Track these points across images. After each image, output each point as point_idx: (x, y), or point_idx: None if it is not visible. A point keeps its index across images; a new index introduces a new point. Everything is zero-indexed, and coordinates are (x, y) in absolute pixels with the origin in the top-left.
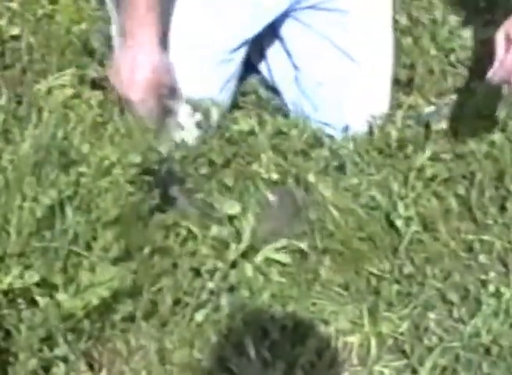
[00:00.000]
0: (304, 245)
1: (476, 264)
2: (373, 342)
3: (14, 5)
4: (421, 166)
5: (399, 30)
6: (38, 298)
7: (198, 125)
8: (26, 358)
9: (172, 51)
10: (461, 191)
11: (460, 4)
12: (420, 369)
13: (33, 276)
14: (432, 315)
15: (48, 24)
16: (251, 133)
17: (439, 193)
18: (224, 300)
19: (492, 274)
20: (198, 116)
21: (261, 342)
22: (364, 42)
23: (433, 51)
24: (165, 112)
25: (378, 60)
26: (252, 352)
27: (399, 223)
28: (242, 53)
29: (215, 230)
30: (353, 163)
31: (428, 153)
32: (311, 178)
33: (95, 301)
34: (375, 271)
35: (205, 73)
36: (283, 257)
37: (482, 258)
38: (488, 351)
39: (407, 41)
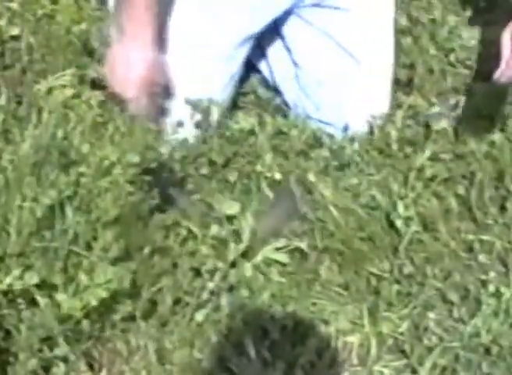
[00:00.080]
0: (303, 245)
1: (476, 264)
2: (373, 342)
3: (14, 5)
4: (420, 166)
5: (398, 30)
6: (38, 299)
7: (198, 125)
8: (26, 358)
9: (174, 50)
10: (461, 191)
11: (460, 4)
12: (420, 369)
13: (33, 277)
14: (431, 315)
15: (48, 24)
16: (252, 132)
17: (438, 193)
18: (224, 300)
19: (492, 274)
20: (198, 116)
21: (261, 342)
22: (365, 41)
23: (433, 51)
24: (159, 110)
25: (380, 60)
26: (252, 352)
27: (399, 223)
28: (244, 51)
29: (214, 229)
30: (353, 163)
31: (428, 153)
32: (311, 178)
33: (95, 301)
34: (375, 271)
35: (207, 72)
36: (283, 257)
37: (482, 258)
38: (488, 351)
39: (407, 40)
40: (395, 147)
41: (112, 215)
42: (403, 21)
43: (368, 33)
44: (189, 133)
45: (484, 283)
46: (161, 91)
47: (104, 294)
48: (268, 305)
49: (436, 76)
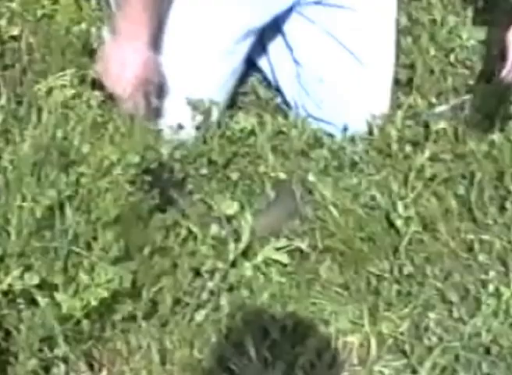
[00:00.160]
0: (303, 245)
1: (476, 264)
2: (373, 342)
3: (14, 5)
4: (420, 166)
5: (398, 30)
6: (38, 299)
7: (198, 125)
8: (26, 358)
9: (175, 44)
10: (461, 190)
11: (460, 4)
12: (420, 368)
13: (33, 277)
14: (431, 315)
15: (48, 24)
16: (252, 132)
17: (438, 193)
18: (224, 300)
19: (491, 274)
20: (198, 117)
21: (261, 342)
22: (367, 41)
23: (433, 51)
24: (152, 109)
25: (381, 60)
26: (252, 352)
27: (399, 223)
28: (245, 46)
29: (214, 229)
30: (353, 163)
31: (427, 153)
32: (311, 178)
33: (95, 301)
34: (375, 271)
35: (209, 65)
36: (283, 257)
37: (482, 257)
38: (487, 350)
39: (407, 41)
40: (395, 147)
41: (112, 215)
42: (403, 21)
43: (370, 33)
44: (189, 130)
45: (484, 283)
46: (155, 90)
47: (104, 293)
48: (268, 305)
49: (436, 77)
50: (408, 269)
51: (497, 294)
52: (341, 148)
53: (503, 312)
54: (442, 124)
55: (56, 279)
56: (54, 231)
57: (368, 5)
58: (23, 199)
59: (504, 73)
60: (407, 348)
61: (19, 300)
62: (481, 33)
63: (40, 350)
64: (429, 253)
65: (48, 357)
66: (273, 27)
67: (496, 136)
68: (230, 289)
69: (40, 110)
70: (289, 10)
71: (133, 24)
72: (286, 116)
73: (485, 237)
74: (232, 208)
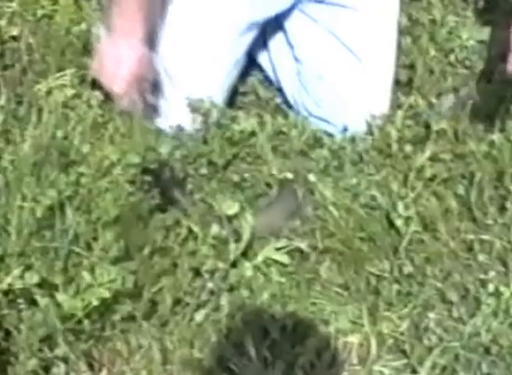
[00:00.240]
0: (304, 245)
1: (476, 264)
2: (373, 342)
3: (14, 6)
4: (420, 166)
5: (399, 31)
6: (38, 298)
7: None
8: (26, 358)
9: (177, 36)
10: (461, 190)
11: (460, 4)
12: (419, 368)
13: (33, 277)
14: (431, 314)
15: (48, 24)
16: (252, 133)
17: (438, 193)
18: (224, 300)
19: (491, 274)
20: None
21: (261, 342)
22: (368, 41)
23: (433, 52)
24: (147, 106)
25: (382, 60)
26: (252, 352)
27: (399, 222)
28: (248, 39)
29: (215, 229)
30: (353, 163)
31: (427, 153)
32: (311, 178)
33: (95, 301)
34: (375, 271)
35: (211, 57)
36: (283, 257)
37: (482, 257)
38: (487, 350)
39: (407, 41)
40: (395, 147)
41: (112, 215)
42: (403, 21)
43: (371, 33)
44: (189, 126)
45: (483, 283)
46: (150, 87)
47: (106, 294)
48: (268, 305)
49: (436, 77)
50: (408, 269)
51: (497, 294)
52: (341, 148)
53: (502, 311)
54: (442, 124)
55: (56, 279)
56: (54, 231)
57: (370, 5)
58: (24, 199)
59: (510, 66)
60: (406, 347)
61: (20, 300)
62: (481, 34)
63: (40, 350)
64: (429, 253)
65: (48, 357)
66: (275, 24)
67: (496, 136)
68: (230, 289)
69: (40, 110)
70: (292, 8)
71: (128, 21)
72: (286, 116)
73: (485, 237)
74: (232, 208)
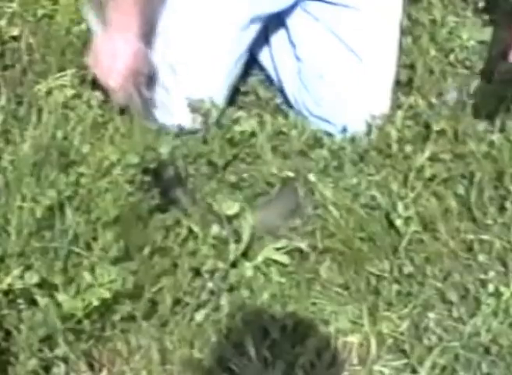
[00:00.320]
0: (303, 245)
1: (475, 264)
2: (373, 342)
3: (14, 6)
4: (420, 166)
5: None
6: (38, 298)
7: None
8: (27, 358)
9: (179, 32)
10: (461, 190)
11: (460, 4)
12: (419, 368)
13: (33, 277)
14: (431, 314)
15: (48, 25)
16: (253, 134)
17: (438, 193)
18: (224, 300)
19: (491, 274)
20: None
21: (261, 342)
22: (370, 41)
23: (433, 52)
24: (143, 99)
25: (383, 60)
26: (252, 352)
27: (399, 222)
28: (250, 33)
29: (215, 229)
30: (353, 163)
31: (427, 153)
32: (311, 178)
33: (95, 302)
34: (375, 271)
35: (213, 53)
36: (283, 257)
37: (482, 257)
38: (487, 350)
39: (407, 41)
40: (395, 147)
41: (112, 215)
42: (404, 21)
43: (373, 34)
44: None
45: (483, 283)
46: (145, 81)
47: (106, 294)
48: (268, 305)
49: (436, 77)
50: (408, 269)
51: (497, 294)
52: (341, 148)
53: (502, 311)
54: (442, 124)
55: (56, 279)
56: (54, 231)
57: (373, 5)
58: (23, 199)
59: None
60: (406, 347)
61: (20, 300)
62: (481, 34)
63: (41, 350)
64: (429, 253)
65: (48, 357)
66: (277, 22)
67: (496, 136)
68: (230, 289)
69: (40, 110)
70: (294, 5)
71: (124, 15)
72: (286, 116)
73: (485, 237)
74: (232, 208)
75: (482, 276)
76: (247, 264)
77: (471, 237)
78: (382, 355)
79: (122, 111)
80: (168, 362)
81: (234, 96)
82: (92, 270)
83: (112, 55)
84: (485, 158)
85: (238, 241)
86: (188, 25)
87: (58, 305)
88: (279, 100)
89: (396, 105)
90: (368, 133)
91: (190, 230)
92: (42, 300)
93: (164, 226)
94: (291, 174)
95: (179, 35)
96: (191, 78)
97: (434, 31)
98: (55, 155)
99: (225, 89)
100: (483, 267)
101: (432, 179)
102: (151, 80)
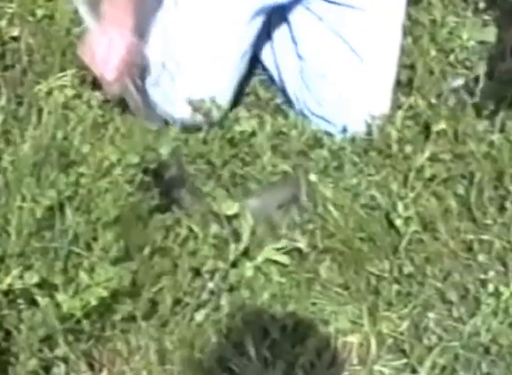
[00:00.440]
0: (303, 245)
1: (475, 264)
2: (373, 342)
3: (14, 6)
4: (420, 167)
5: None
6: (38, 299)
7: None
8: (27, 358)
9: (184, 28)
10: (460, 190)
11: (460, 4)
12: (419, 368)
13: (33, 277)
14: (431, 314)
15: (48, 25)
16: (253, 134)
17: (438, 193)
18: (224, 300)
19: (491, 274)
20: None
21: (261, 342)
22: (373, 42)
23: (433, 52)
24: (137, 90)
25: (384, 61)
26: (252, 352)
27: (399, 222)
28: (254, 28)
29: (215, 229)
30: (353, 163)
31: (427, 153)
32: (312, 178)
33: (95, 302)
34: (375, 271)
35: (218, 49)
36: (283, 257)
37: (482, 257)
38: (487, 350)
39: (407, 41)
40: (395, 147)
41: (112, 215)
42: (404, 21)
43: (375, 34)
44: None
45: (483, 283)
46: (138, 73)
47: (104, 293)
48: (268, 305)
49: (436, 77)
50: (408, 269)
51: (496, 294)
52: (341, 148)
53: (502, 311)
54: (442, 124)
55: (56, 279)
56: (54, 231)
57: (377, 6)
58: (23, 199)
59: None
60: (406, 347)
61: (20, 300)
62: (481, 34)
63: (41, 350)
64: (429, 253)
65: (48, 357)
66: (280, 20)
67: (496, 136)
68: (230, 289)
69: (40, 111)
70: (298, 3)
71: (119, 10)
72: (286, 117)
73: (485, 237)
74: (232, 208)
75: (482, 276)
76: (247, 264)
77: (470, 237)
78: (382, 355)
79: (123, 111)
80: (168, 362)
81: (235, 96)
82: (92, 270)
83: (107, 49)
84: (485, 158)
85: (238, 240)
86: (191, 22)
87: (58, 305)
88: (279, 100)
89: (396, 105)
90: (368, 133)
91: (190, 230)
92: (42, 300)
93: (164, 226)
94: (290, 168)
95: (183, 33)
96: (196, 77)
97: (434, 31)
98: (55, 155)
99: (231, 87)
100: (483, 267)
101: (431, 179)
102: (144, 71)
